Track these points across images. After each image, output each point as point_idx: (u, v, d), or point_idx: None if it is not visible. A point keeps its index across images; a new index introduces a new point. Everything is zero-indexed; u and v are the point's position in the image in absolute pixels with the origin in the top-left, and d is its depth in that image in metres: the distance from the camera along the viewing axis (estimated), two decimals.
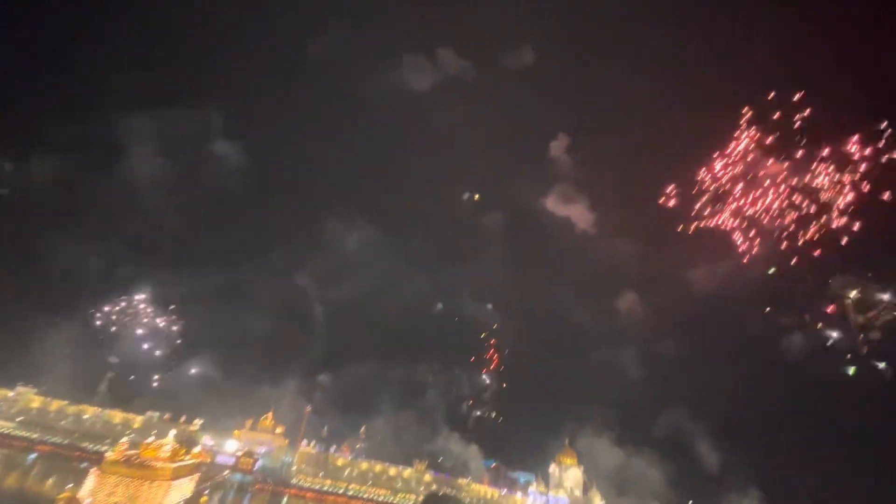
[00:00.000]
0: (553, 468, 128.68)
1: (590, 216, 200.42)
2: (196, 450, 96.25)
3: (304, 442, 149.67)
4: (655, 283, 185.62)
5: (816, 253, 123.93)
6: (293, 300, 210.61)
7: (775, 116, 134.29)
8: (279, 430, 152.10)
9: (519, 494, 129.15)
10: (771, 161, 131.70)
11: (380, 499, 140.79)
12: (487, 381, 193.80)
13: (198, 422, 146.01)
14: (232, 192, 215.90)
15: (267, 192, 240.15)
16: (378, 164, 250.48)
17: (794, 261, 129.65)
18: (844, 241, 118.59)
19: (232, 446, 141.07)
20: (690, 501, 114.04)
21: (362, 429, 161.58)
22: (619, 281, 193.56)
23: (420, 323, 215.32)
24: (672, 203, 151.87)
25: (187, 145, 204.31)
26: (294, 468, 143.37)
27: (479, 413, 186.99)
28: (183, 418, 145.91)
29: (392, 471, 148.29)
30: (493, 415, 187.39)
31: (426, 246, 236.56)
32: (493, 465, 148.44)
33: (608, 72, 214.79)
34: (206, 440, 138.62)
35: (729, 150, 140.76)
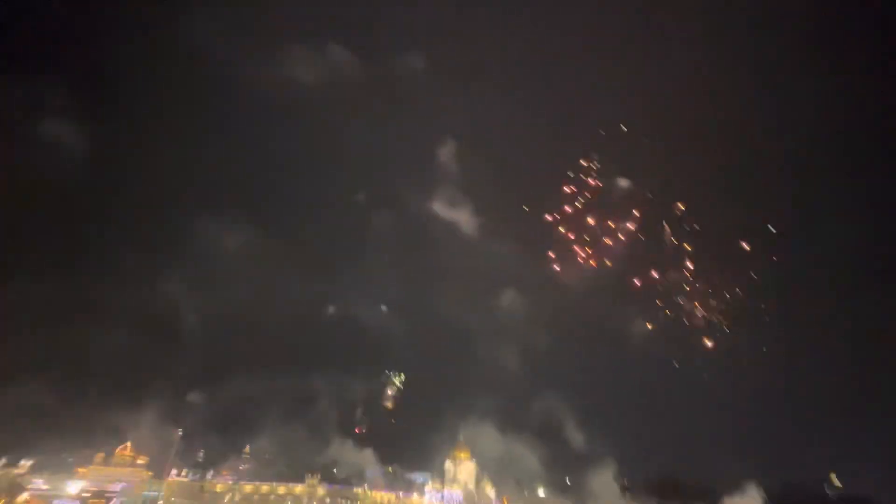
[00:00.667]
0: (448, 465, 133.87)
1: (474, 220, 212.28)
2: (22, 497, 78.23)
3: (174, 472, 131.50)
4: (532, 282, 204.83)
5: None
6: (155, 310, 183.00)
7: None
8: (141, 460, 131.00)
9: (415, 495, 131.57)
10: None
11: None
12: (382, 384, 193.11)
13: (25, 463, 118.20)
14: (71, 184, 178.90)
15: (120, 185, 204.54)
16: (258, 159, 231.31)
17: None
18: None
19: (75, 487, 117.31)
20: (567, 478, 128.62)
21: (246, 448, 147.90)
22: (499, 281, 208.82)
23: (310, 329, 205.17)
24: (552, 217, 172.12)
25: (9, 121, 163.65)
26: (161, 503, 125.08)
27: (373, 418, 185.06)
28: (2, 461, 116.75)
29: (281, 489, 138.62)
30: (389, 418, 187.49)
31: (312, 248, 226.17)
32: (390, 469, 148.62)
33: (496, 82, 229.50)
34: (38, 483, 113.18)
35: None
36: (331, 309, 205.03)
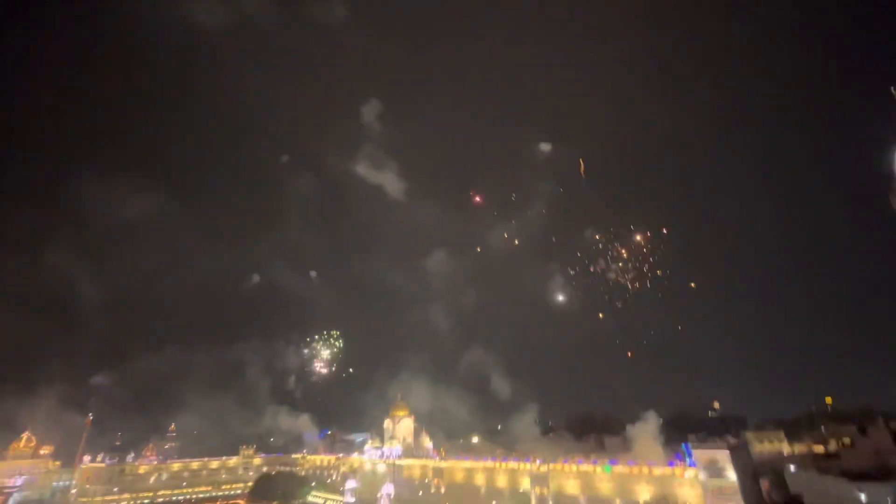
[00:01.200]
0: (387, 423, 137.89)
1: (399, 182, 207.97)
2: None
3: (88, 458, 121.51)
4: (458, 243, 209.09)
5: None
6: (43, 286, 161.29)
7: None
8: (45, 450, 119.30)
9: (356, 455, 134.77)
10: None
11: (200, 496, 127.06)
12: (315, 349, 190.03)
13: None
14: None
15: None
16: (163, 115, 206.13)
17: None
18: None
19: None
20: (499, 426, 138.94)
21: (171, 426, 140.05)
22: (427, 242, 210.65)
23: (233, 298, 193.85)
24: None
25: None
26: (74, 491, 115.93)
27: (307, 384, 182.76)
28: None
29: (214, 464, 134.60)
30: (324, 383, 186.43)
31: (229, 212, 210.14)
32: (329, 433, 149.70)
33: (425, 38, 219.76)
34: None
35: None
36: (255, 277, 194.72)
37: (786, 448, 79.70)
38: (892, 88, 38.61)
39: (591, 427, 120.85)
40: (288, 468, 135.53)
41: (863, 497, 49.72)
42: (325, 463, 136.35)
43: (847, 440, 74.66)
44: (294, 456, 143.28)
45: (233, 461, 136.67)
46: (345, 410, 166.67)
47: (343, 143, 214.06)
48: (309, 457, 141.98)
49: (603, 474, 75.03)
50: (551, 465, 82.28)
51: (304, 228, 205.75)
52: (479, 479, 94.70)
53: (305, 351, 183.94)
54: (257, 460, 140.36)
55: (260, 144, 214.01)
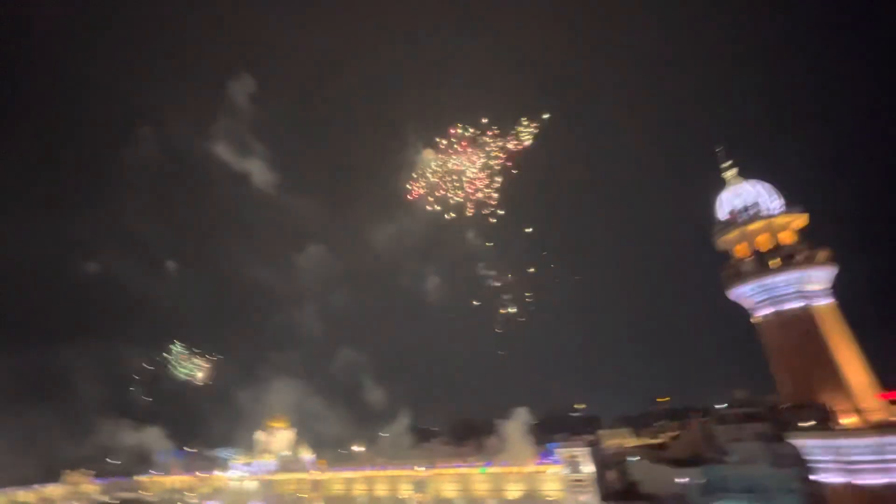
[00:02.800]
0: (259, 435, 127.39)
1: (269, 171, 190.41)
2: None
3: None
4: (332, 240, 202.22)
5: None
6: None
7: None
8: None
9: (217, 472, 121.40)
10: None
11: None
12: (171, 357, 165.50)
13: None
14: None
15: None
16: None
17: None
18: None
19: None
20: (382, 433, 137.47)
21: None
22: (298, 237, 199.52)
23: (54, 290, 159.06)
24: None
25: None
26: None
27: (158, 394, 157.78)
28: None
29: (26, 496, 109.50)
30: (178, 393, 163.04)
31: (50, 186, 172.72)
32: (189, 450, 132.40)
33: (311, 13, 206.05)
34: None
35: None
36: (91, 264, 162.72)
37: (630, 442, 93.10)
38: (717, 149, 48.03)
39: (471, 431, 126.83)
40: (133, 494, 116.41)
41: (680, 480, 60.40)
42: (181, 484, 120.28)
43: (674, 433, 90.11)
44: (139, 479, 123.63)
45: (56, 490, 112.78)
46: (208, 424, 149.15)
47: (204, 119, 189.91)
48: (159, 478, 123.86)
49: (479, 476, 79.05)
50: (431, 471, 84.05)
51: (149, 210, 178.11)
52: (359, 490, 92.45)
53: (158, 357, 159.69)
54: (91, 487, 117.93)
55: (93, 103, 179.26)
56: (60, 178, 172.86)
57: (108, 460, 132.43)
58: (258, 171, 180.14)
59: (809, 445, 37.81)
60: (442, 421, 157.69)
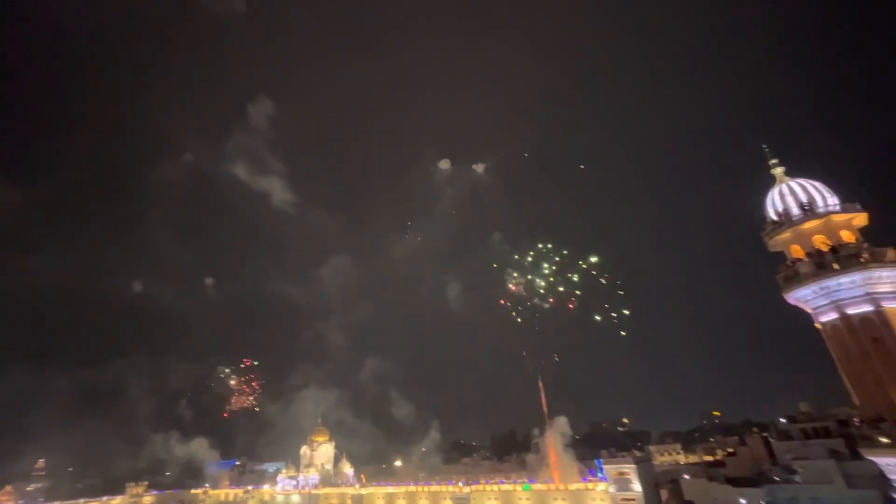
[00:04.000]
0: (304, 450, 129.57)
1: (291, 187, 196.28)
2: None
3: None
4: (356, 252, 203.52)
5: None
6: None
7: None
8: None
9: (267, 486, 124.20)
10: None
11: None
12: (218, 374, 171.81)
13: None
14: None
15: None
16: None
17: None
18: None
19: None
20: (423, 448, 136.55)
21: (39, 463, 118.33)
22: (321, 252, 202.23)
23: (101, 311, 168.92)
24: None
25: None
26: None
27: (205, 408, 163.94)
28: None
29: None
30: (225, 407, 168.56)
31: (88, 207, 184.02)
32: (238, 463, 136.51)
33: (328, 42, 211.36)
34: None
35: None
36: (139, 286, 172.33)
37: (682, 459, 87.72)
38: (763, 146, 45.58)
39: (512, 446, 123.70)
40: None
41: (742, 501, 55.87)
42: (232, 497, 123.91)
43: (731, 450, 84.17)
44: (194, 492, 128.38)
45: (117, 502, 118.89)
46: (257, 439, 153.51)
47: (227, 142, 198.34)
48: (212, 491, 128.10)
49: (522, 493, 76.58)
50: (473, 487, 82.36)
51: (181, 231, 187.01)
52: None
53: (199, 369, 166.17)
54: (148, 499, 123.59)
55: (124, 136, 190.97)
56: (99, 206, 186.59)
57: (164, 473, 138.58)
58: (280, 189, 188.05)
59: (892, 464, 34.19)
60: (481, 434, 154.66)
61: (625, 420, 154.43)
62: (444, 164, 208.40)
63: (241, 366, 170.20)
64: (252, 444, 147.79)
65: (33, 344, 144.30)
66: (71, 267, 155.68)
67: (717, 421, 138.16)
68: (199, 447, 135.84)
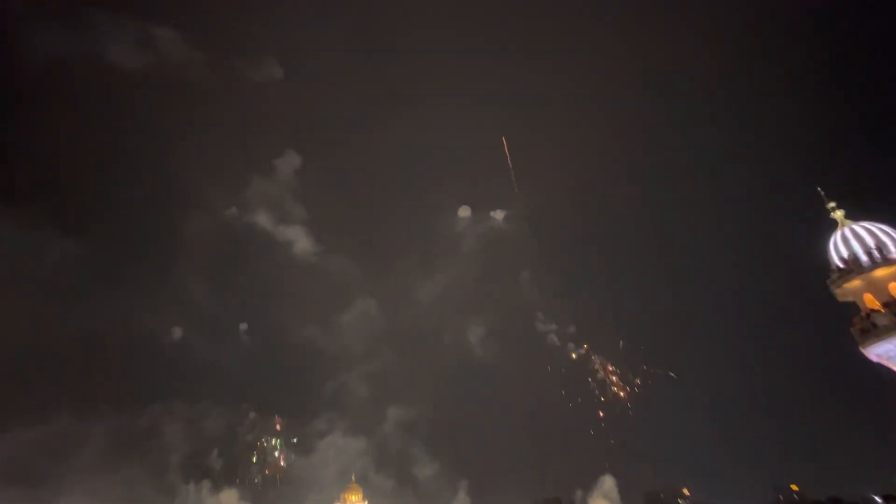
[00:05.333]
0: None
1: (313, 235, 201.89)
2: None
3: None
4: (378, 299, 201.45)
5: None
6: None
7: None
8: None
9: None
10: None
11: None
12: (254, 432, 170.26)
13: None
14: None
15: None
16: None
17: None
18: None
19: None
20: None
21: None
22: (343, 299, 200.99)
23: (137, 356, 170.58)
24: None
25: None
26: None
27: (235, 458, 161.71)
28: None
29: None
30: (256, 458, 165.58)
31: (125, 256, 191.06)
32: None
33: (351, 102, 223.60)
34: None
35: None
36: (177, 332, 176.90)
37: None
38: (818, 188, 43.46)
39: None
40: None
41: None
42: None
43: None
44: None
45: None
46: (286, 491, 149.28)
47: (254, 195, 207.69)
48: None
49: None
50: None
51: (210, 282, 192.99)
52: None
53: (227, 418, 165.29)
54: None
55: (159, 189, 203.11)
56: (135, 257, 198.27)
57: None
58: (303, 237, 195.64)
59: None
60: (516, 500, 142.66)
61: (685, 491, 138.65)
62: (464, 212, 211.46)
63: (274, 423, 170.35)
64: (281, 498, 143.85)
65: (75, 391, 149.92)
66: (111, 315, 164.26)
67: (796, 497, 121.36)
68: (229, 500, 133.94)
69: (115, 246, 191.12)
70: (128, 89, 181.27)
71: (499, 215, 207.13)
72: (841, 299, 41.12)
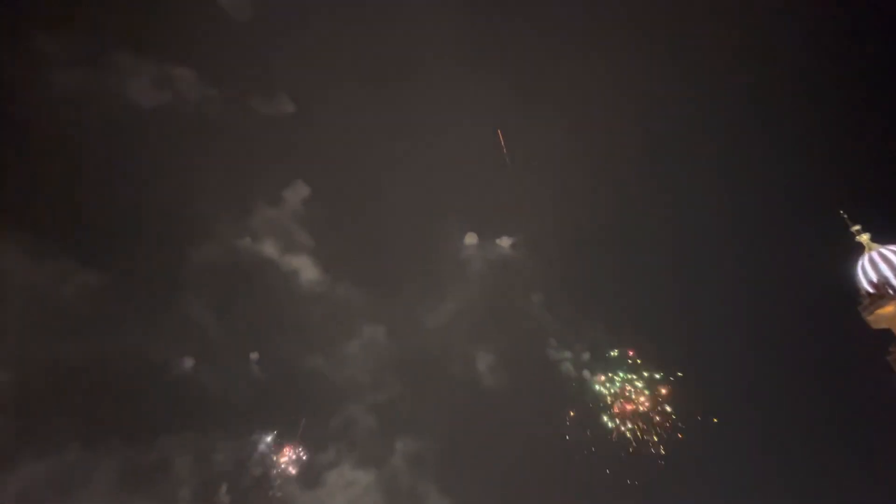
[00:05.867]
0: None
1: (319, 264, 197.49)
2: None
3: None
4: (386, 327, 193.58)
5: None
6: None
7: None
8: None
9: None
10: None
11: None
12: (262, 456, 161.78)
13: None
14: None
15: None
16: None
17: None
18: None
19: None
20: None
21: None
22: (350, 327, 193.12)
23: (151, 389, 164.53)
24: None
25: None
26: None
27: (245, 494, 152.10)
28: None
29: None
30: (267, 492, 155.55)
31: (127, 288, 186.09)
32: None
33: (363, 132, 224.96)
34: None
35: None
36: (189, 363, 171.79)
37: None
38: (841, 211, 42.58)
39: None
40: None
41: None
42: None
43: None
44: None
45: None
46: None
47: (260, 224, 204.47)
48: None
49: None
50: None
51: (217, 311, 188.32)
52: None
53: (238, 450, 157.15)
54: None
55: (172, 221, 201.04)
56: (144, 287, 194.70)
57: None
58: (310, 266, 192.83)
59: None
60: None
61: None
62: (471, 239, 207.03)
63: (284, 455, 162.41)
64: None
65: (85, 423, 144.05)
66: (121, 346, 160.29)
67: None
68: None
69: (127, 276, 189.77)
70: (145, 125, 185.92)
71: (505, 242, 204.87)
72: (874, 326, 39.32)
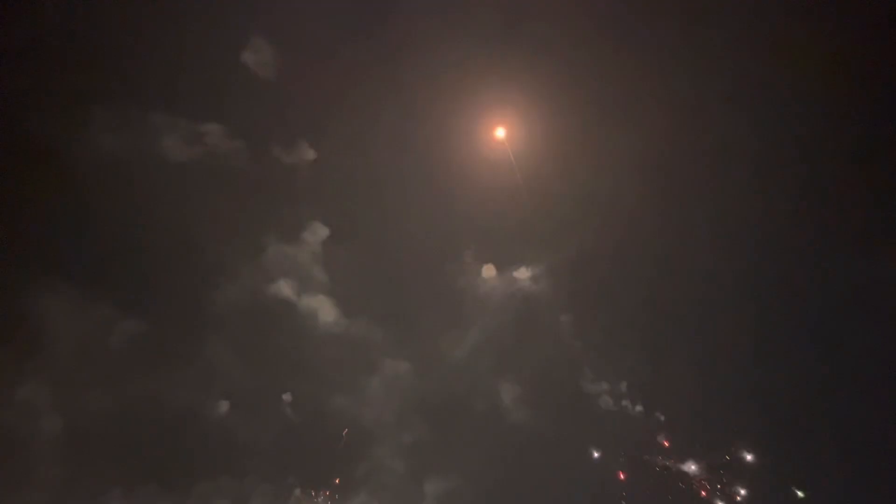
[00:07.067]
0: None
1: (340, 305, 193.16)
2: None
3: None
4: (411, 364, 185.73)
5: None
6: None
7: None
8: None
9: None
10: None
11: None
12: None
13: None
14: None
15: None
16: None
17: None
18: None
19: None
20: None
21: None
22: (371, 366, 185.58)
23: (185, 433, 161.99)
24: None
25: None
26: None
27: None
28: None
29: None
30: None
31: (156, 341, 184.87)
32: None
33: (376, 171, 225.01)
34: None
35: None
36: (225, 406, 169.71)
37: None
38: None
39: None
40: None
41: None
42: None
43: None
44: None
45: None
46: None
47: (280, 266, 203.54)
48: None
49: None
50: None
51: (247, 353, 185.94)
52: None
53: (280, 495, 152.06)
54: None
55: (203, 267, 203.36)
56: (178, 336, 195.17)
57: None
58: (330, 306, 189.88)
59: None
60: None
61: None
62: (489, 272, 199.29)
63: (318, 499, 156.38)
64: None
65: (127, 469, 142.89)
66: (157, 392, 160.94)
67: None
68: None
69: (162, 322, 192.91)
70: (178, 178, 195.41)
71: (524, 273, 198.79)
72: None
